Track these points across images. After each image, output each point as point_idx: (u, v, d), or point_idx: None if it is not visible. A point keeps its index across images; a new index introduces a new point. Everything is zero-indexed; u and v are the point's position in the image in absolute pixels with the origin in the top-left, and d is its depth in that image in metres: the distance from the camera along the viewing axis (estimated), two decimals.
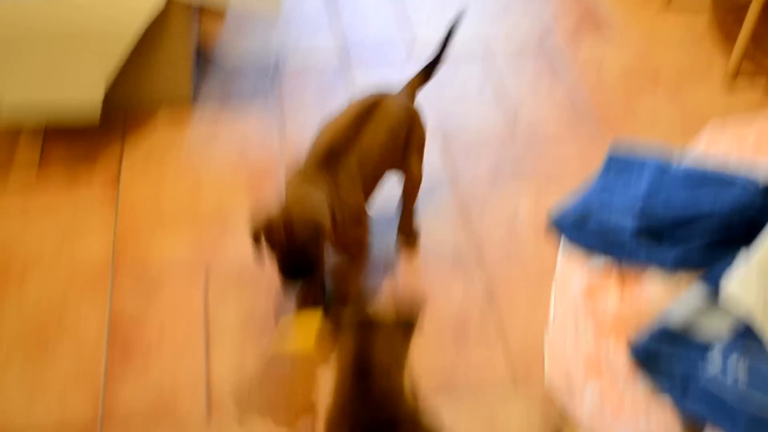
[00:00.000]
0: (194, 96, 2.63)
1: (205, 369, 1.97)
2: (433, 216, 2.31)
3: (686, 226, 2.13)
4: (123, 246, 2.22)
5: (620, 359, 1.92)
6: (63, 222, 2.28)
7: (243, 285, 2.09)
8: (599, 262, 2.16)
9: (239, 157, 2.47)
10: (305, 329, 1.69)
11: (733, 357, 1.80)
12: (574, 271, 2.17)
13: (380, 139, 2.00)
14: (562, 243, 2.24)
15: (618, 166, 2.43)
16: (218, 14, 2.92)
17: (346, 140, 1.95)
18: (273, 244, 1.83)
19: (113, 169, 2.42)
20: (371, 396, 1.44)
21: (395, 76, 2.70)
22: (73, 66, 2.30)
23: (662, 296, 2.03)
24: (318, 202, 1.84)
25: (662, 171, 2.37)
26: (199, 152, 2.48)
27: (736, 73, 2.74)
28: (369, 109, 2.02)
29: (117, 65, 2.31)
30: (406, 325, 1.53)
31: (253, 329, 2.05)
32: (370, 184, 2.02)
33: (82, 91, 2.28)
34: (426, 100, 2.61)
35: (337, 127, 1.98)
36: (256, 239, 1.84)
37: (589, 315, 2.02)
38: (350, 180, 1.93)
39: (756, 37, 2.79)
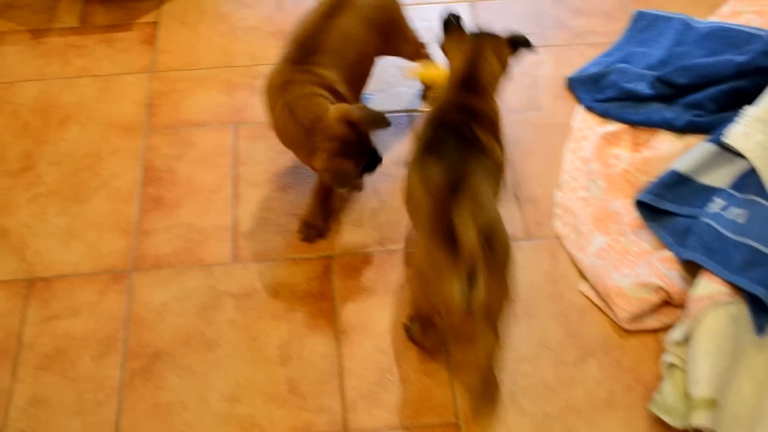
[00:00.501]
0: None
1: (232, 218, 2.06)
2: None
3: (699, 91, 2.17)
4: (158, 101, 2.29)
5: (627, 215, 2.00)
6: (101, 79, 2.35)
7: (270, 142, 2.16)
8: (613, 125, 2.21)
9: (275, 9, 2.51)
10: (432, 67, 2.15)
11: (735, 197, 1.87)
12: (588, 132, 2.23)
13: (356, 29, 1.97)
14: (578, 106, 2.29)
15: (644, 22, 2.45)
16: None
17: (319, 34, 1.92)
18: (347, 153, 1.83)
19: (150, 29, 2.47)
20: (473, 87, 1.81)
21: None
22: None
23: (672, 155, 2.09)
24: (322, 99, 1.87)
25: (686, 26, 2.39)
26: (234, 13, 2.51)
27: None
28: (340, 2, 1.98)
29: None
30: (515, 40, 1.89)
31: (278, 183, 2.12)
32: (356, 77, 2.00)
33: None
34: None
35: (309, 22, 1.95)
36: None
37: (601, 174, 2.09)
38: (331, 73, 1.91)
39: None
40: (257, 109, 2.25)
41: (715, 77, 2.14)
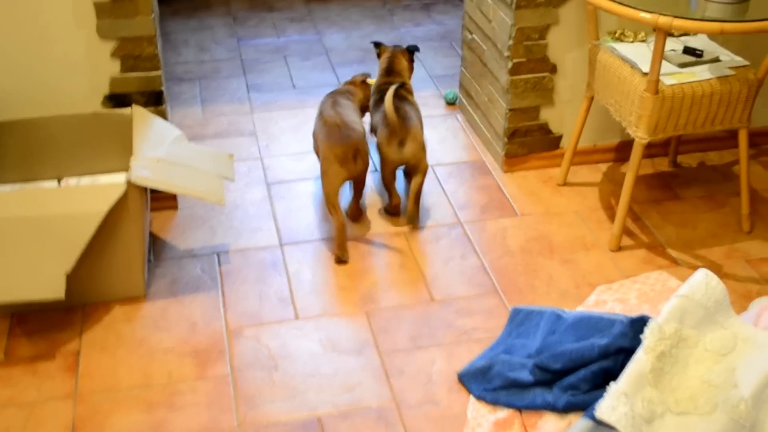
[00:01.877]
0: (146, 290, 2.86)
1: None
2: (359, 375, 2.53)
3: (573, 374, 2.39)
4: (81, 424, 2.40)
5: None
6: (26, 407, 2.45)
7: None
8: (503, 411, 2.40)
9: (187, 335, 2.69)
10: None
11: None
12: (482, 420, 2.40)
13: None
14: (470, 397, 2.48)
15: (521, 316, 2.72)
16: (165, 212, 3.19)
17: None
18: None
19: (72, 357, 2.61)
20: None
21: (327, 247, 2.98)
22: (35, 264, 2.53)
23: None
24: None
25: (557, 317, 2.65)
26: (150, 336, 2.69)
27: (618, 248, 3.06)
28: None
29: (75, 261, 2.55)
30: (410, 48, 3.47)
31: None
32: None
33: (44, 291, 2.52)
34: (350, 282, 2.89)
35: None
36: None
37: None
38: None
39: (635, 216, 3.13)
40: (176, 424, 2.37)
41: (584, 360, 2.37)
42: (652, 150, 3.56)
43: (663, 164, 3.55)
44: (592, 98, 3.19)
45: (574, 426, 2.20)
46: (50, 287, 2.53)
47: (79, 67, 2.93)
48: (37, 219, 2.54)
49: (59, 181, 3.04)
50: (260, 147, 3.64)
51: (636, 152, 2.93)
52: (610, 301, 2.83)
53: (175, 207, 3.26)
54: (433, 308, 2.81)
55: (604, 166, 3.54)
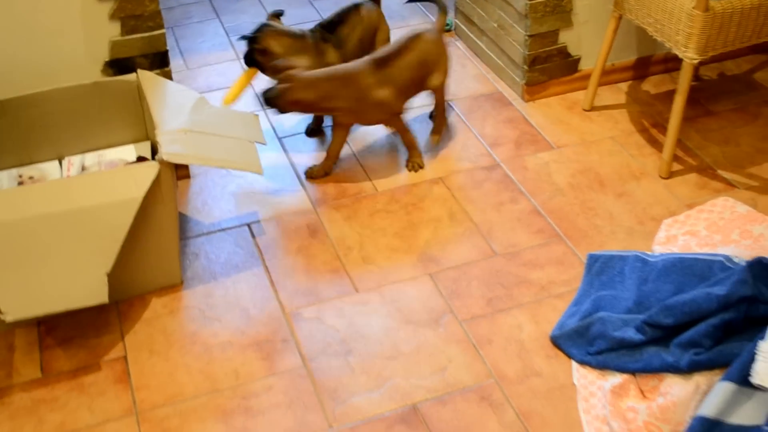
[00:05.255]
0: (183, 275, 2.43)
1: None
2: (445, 350, 2.19)
3: (690, 329, 2.08)
4: None
5: None
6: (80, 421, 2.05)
7: None
8: (616, 377, 2.09)
9: (242, 323, 2.29)
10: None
11: None
12: (593, 388, 2.09)
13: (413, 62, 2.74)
14: (573, 363, 2.16)
15: (600, 264, 2.39)
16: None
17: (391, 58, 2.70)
18: None
19: (120, 365, 2.19)
20: None
21: (364, 204, 2.59)
22: (70, 267, 2.08)
23: (687, 398, 1.97)
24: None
25: (643, 262, 2.34)
26: (201, 330, 2.28)
27: (669, 174, 2.75)
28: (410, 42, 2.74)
29: (115, 258, 2.11)
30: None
31: None
32: (407, 91, 2.75)
33: (86, 296, 2.08)
34: (401, 242, 2.52)
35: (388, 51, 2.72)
36: None
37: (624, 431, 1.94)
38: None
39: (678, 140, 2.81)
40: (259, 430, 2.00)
41: (701, 313, 2.05)
42: (669, 64, 3.23)
43: None
44: (620, 17, 2.82)
45: (713, 390, 1.91)
46: (91, 291, 2.09)
47: (75, 33, 2.42)
48: (65, 214, 2.08)
49: (60, 161, 2.55)
50: (259, 96, 3.17)
51: (686, 73, 2.60)
52: (680, 235, 2.52)
53: (187, 175, 2.80)
54: (499, 263, 2.46)
55: (624, 86, 3.20)
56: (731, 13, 2.51)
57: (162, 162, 2.16)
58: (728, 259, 2.21)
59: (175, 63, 3.35)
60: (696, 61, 2.57)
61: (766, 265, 2.03)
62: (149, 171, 2.13)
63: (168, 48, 2.57)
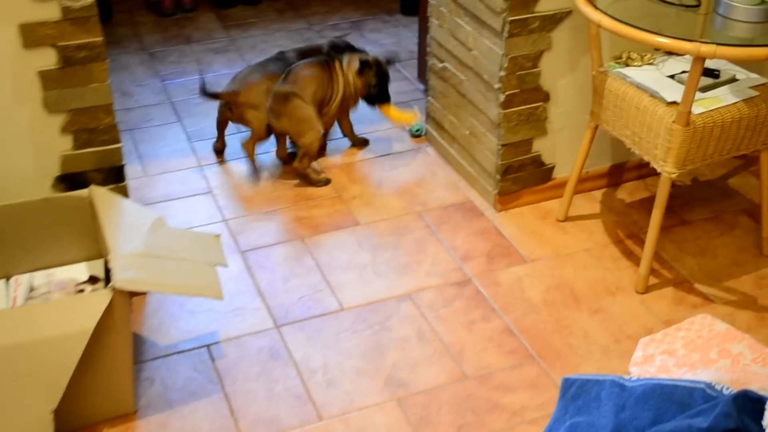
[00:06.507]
0: (136, 403, 2.34)
1: None
2: None
3: None
4: None
5: None
6: None
7: None
8: None
9: None
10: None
11: None
12: None
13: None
14: None
15: (575, 388, 2.32)
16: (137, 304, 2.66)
17: None
18: None
19: None
20: None
21: (329, 323, 2.53)
22: (12, 405, 1.99)
23: None
24: None
25: (621, 387, 2.27)
26: None
27: (645, 289, 2.73)
28: None
29: (61, 394, 2.03)
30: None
31: None
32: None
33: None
34: (368, 364, 2.46)
35: None
36: None
37: None
38: None
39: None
40: None
41: None
42: (643, 171, 3.24)
43: (655, 184, 3.22)
44: (596, 128, 2.84)
45: None
46: (35, 430, 2.00)
47: (24, 147, 2.38)
48: (9, 349, 2.00)
49: (7, 279, 2.48)
50: (221, 208, 3.14)
51: (663, 187, 2.60)
52: (658, 354, 2.47)
53: (143, 292, 2.73)
54: (470, 386, 2.40)
55: (598, 194, 3.20)
56: (712, 127, 2.52)
57: (115, 290, 2.10)
58: (709, 386, 2.16)
59: (133, 169, 3.32)
60: (674, 175, 2.57)
61: (750, 398, 1.99)
62: (101, 300, 2.07)
63: (124, 161, 2.54)
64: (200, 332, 2.59)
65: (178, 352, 2.52)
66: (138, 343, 2.54)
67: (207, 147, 3.49)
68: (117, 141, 2.47)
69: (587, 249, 2.91)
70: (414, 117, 3.42)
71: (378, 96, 3.31)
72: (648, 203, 3.09)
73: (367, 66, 3.25)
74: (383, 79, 3.31)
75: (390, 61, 3.36)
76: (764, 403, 1.87)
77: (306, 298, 2.72)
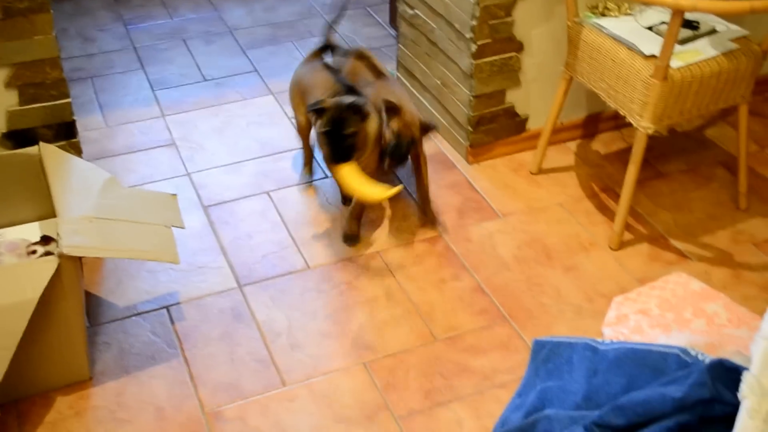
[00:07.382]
0: (92, 369, 2.25)
1: None
2: None
3: (643, 428, 1.96)
4: None
5: None
6: None
7: None
8: None
9: (156, 426, 2.11)
10: None
11: None
12: None
13: None
14: None
15: (546, 350, 2.25)
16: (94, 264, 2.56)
17: None
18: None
19: None
20: None
21: (294, 282, 2.44)
22: None
23: None
24: None
25: (593, 351, 2.21)
26: (112, 426, 2.10)
27: (619, 246, 2.65)
28: None
29: (6, 366, 1.93)
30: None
31: None
32: None
33: None
34: (334, 326, 2.37)
35: None
36: None
37: None
38: None
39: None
40: None
41: (655, 415, 1.92)
42: (620, 121, 3.14)
43: (632, 135, 3.13)
44: (570, 79, 2.72)
45: None
46: None
47: None
48: None
49: None
50: (184, 160, 3.02)
51: (639, 143, 2.50)
52: (631, 314, 2.41)
53: None
54: (439, 349, 2.33)
55: (573, 145, 3.10)
56: (690, 81, 2.42)
57: (63, 256, 1.99)
58: (684, 351, 2.10)
59: (93, 119, 3.19)
60: (651, 131, 2.47)
61: (726, 367, 1.92)
62: (47, 267, 1.96)
63: (88, 99, 2.42)
64: (160, 293, 2.49)
65: (137, 314, 2.42)
66: (95, 304, 2.44)
67: (171, 96, 3.35)
68: (66, 96, 2.34)
69: (561, 203, 2.82)
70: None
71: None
72: (624, 155, 3.00)
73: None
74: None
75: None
76: (740, 373, 1.79)
77: (271, 255, 2.62)
